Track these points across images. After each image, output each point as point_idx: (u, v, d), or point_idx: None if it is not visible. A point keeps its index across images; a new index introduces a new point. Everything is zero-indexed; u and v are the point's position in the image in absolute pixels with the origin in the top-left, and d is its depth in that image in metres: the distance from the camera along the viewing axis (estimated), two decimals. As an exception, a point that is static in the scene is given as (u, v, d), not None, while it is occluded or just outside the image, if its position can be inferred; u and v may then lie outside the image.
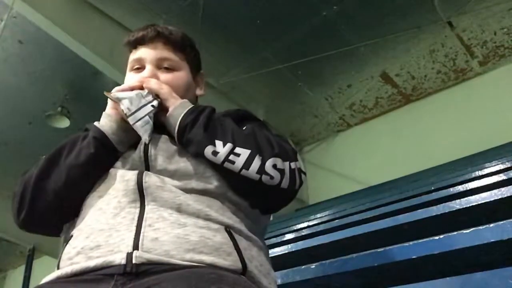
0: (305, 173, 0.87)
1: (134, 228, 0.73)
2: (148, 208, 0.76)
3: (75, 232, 0.79)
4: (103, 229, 0.75)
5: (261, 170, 0.79)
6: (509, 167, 2.07)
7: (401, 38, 3.84)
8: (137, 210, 0.76)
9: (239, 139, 0.81)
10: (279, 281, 1.26)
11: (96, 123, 0.88)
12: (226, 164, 0.79)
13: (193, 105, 0.88)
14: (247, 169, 0.79)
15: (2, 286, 7.60)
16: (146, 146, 0.83)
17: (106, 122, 0.87)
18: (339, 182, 4.66)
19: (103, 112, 0.89)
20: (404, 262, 1.11)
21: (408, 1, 3.50)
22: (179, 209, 0.76)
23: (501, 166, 2.13)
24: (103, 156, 0.84)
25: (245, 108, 4.61)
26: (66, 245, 0.78)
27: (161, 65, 0.96)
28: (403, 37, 3.83)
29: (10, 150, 4.84)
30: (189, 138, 0.82)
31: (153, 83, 0.89)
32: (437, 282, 0.91)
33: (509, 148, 3.12)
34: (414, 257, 1.09)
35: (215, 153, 0.79)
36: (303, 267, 1.31)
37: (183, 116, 0.84)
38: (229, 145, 0.80)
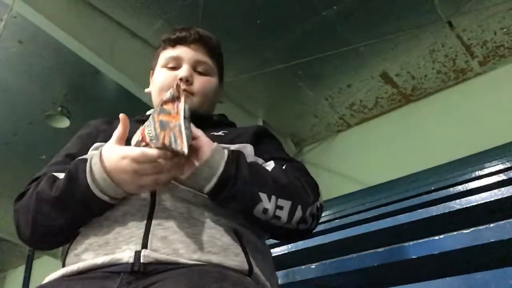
0: (322, 206, 0.88)
1: (143, 226, 0.73)
2: (158, 207, 0.76)
3: (82, 229, 0.78)
4: (112, 226, 0.74)
5: (302, 220, 0.79)
6: (509, 167, 2.07)
7: (401, 38, 3.84)
8: (147, 209, 0.76)
9: (279, 189, 0.77)
10: (279, 281, 1.25)
11: (92, 187, 0.72)
12: (273, 221, 0.77)
13: (227, 152, 0.77)
14: (290, 222, 0.78)
15: (2, 286, 7.59)
16: None
17: (109, 187, 0.73)
18: (339, 182, 4.66)
19: (103, 168, 0.71)
20: (404, 262, 1.11)
21: (408, 1, 3.50)
22: (189, 210, 0.76)
23: (501, 166, 2.13)
24: (96, 212, 0.77)
25: (245, 108, 4.62)
26: (72, 242, 0.77)
27: (196, 68, 0.98)
28: (403, 37, 3.83)
29: (10, 150, 4.83)
30: (233, 194, 0.74)
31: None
32: (437, 282, 0.90)
33: (509, 148, 3.12)
34: (414, 257, 1.09)
35: (265, 210, 0.75)
36: (303, 267, 1.31)
37: (224, 167, 0.73)
38: (273, 198, 0.76)
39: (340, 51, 3.87)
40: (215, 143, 0.77)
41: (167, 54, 1.00)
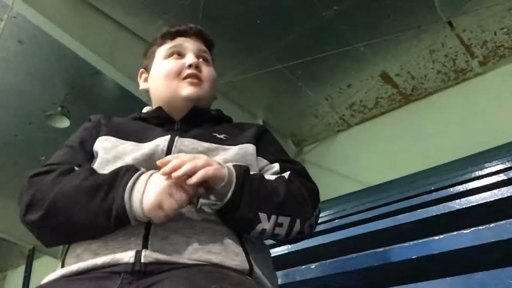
0: (320, 210, 0.89)
1: (143, 226, 0.73)
2: None
3: None
4: None
5: (299, 232, 0.80)
6: (509, 167, 2.07)
7: (401, 38, 3.84)
8: None
9: (280, 206, 0.77)
10: (279, 281, 1.25)
11: (135, 208, 0.70)
12: (271, 236, 0.80)
13: (236, 175, 0.76)
14: (288, 236, 0.79)
15: (2, 286, 7.59)
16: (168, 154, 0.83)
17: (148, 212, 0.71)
18: (339, 182, 4.66)
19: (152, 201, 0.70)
20: (404, 262, 1.11)
21: (408, 1, 3.50)
22: (189, 210, 0.76)
23: (501, 166, 2.13)
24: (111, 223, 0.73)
25: (245, 108, 4.62)
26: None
27: (200, 58, 1.01)
28: (403, 37, 3.83)
29: (10, 150, 4.83)
30: (236, 218, 0.75)
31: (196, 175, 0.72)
32: (437, 282, 0.90)
33: (509, 148, 3.12)
34: (414, 257, 1.09)
35: (263, 231, 0.77)
36: (303, 267, 1.30)
37: (232, 193, 0.74)
38: (273, 218, 0.77)
39: (340, 51, 3.87)
40: (226, 170, 0.75)
41: (167, 46, 1.01)
